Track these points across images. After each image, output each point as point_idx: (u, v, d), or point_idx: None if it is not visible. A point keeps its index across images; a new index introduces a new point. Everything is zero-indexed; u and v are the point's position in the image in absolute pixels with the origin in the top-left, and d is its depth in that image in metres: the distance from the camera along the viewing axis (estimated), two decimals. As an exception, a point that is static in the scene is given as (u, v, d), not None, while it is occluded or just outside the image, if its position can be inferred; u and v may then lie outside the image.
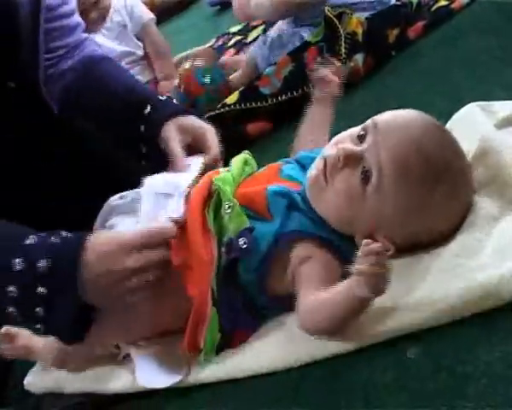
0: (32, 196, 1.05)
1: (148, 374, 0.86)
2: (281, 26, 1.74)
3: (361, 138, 0.79)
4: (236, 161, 0.95)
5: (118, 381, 0.89)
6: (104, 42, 2.03)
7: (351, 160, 0.77)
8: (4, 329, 0.95)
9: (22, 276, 0.78)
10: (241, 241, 0.80)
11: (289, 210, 0.81)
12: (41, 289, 0.78)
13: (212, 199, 0.87)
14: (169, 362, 0.86)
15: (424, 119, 0.79)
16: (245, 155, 0.97)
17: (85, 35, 1.24)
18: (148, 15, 2.16)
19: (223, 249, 0.82)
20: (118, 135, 1.14)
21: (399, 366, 0.65)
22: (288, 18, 1.70)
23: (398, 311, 0.69)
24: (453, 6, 1.55)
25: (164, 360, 0.87)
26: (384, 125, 0.77)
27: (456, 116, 0.94)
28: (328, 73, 0.99)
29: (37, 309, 0.79)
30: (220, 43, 2.48)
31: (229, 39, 2.47)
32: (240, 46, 2.29)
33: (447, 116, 0.96)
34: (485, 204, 0.76)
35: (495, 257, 0.68)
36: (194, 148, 1.03)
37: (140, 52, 2.13)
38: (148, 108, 1.08)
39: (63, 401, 0.94)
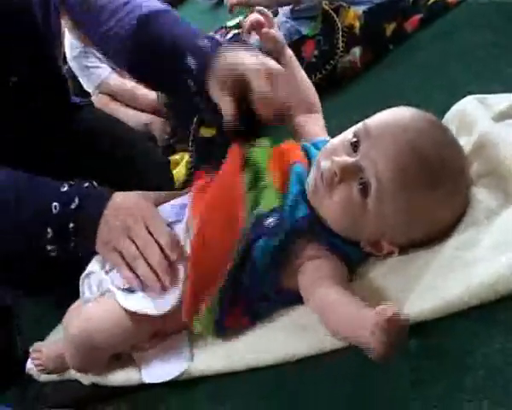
0: None
1: (153, 370, 0.87)
2: (279, 18, 1.74)
3: (354, 146, 0.77)
4: (266, 140, 0.93)
5: (122, 373, 0.90)
6: None
7: (347, 173, 0.75)
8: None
9: (58, 217, 0.90)
10: (270, 220, 0.80)
11: (301, 198, 0.81)
12: (71, 225, 0.90)
13: (245, 170, 0.87)
14: (171, 355, 0.87)
15: (417, 118, 0.76)
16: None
17: None
18: None
19: (250, 222, 0.81)
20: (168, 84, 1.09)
21: (399, 358, 0.65)
22: (286, 10, 1.71)
23: (399, 304, 0.69)
24: (449, 0, 1.55)
25: (166, 354, 0.88)
26: (377, 132, 0.75)
27: (453, 109, 0.94)
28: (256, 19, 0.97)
29: (72, 243, 0.91)
30: (217, 37, 2.47)
31: (227, 33, 2.46)
32: (236, 39, 2.29)
33: (444, 109, 0.95)
34: (483, 197, 0.76)
35: (493, 251, 0.68)
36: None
37: None
38: (188, 59, 0.99)
39: (63, 395, 0.94)
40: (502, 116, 0.88)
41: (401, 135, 0.73)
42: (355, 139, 0.77)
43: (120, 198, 0.93)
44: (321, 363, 0.72)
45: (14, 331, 1.16)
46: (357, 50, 1.50)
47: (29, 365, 1.02)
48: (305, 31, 1.59)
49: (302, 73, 1.01)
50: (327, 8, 1.52)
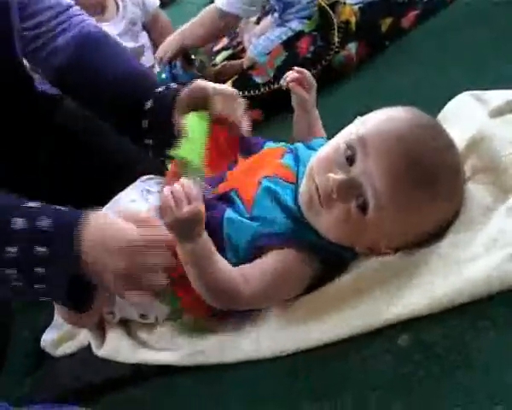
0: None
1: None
2: (272, 26, 1.76)
3: (349, 159, 0.75)
4: (193, 122, 0.93)
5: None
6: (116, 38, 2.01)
7: (345, 191, 0.74)
8: None
9: (22, 235, 0.77)
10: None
11: (272, 209, 0.81)
12: (41, 249, 0.77)
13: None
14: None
15: (412, 125, 0.74)
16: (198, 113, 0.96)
17: (69, 2, 1.17)
18: (155, 3, 2.15)
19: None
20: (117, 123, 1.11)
21: (391, 354, 0.65)
22: (275, 17, 1.72)
23: (391, 300, 0.70)
24: (446, -4, 1.55)
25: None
26: (372, 145, 0.73)
27: (449, 105, 0.94)
28: (296, 76, 0.97)
29: (38, 269, 0.77)
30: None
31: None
32: (232, 35, 2.29)
33: (441, 106, 0.95)
34: (478, 193, 0.76)
35: (487, 248, 0.68)
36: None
37: (146, 41, 2.12)
38: (149, 103, 1.03)
39: (57, 388, 0.94)
40: (498, 112, 0.88)
41: (397, 147, 0.72)
42: (350, 152, 0.75)
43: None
44: (315, 361, 0.72)
45: (11, 325, 1.14)
46: (352, 46, 1.49)
47: (43, 340, 1.03)
48: (299, 27, 1.59)
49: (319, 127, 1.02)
50: (323, 4, 1.52)
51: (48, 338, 1.03)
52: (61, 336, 1.02)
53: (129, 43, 2.03)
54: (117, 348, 0.92)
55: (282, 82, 0.98)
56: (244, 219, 0.82)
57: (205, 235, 0.76)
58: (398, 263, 0.75)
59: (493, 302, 0.63)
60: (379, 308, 0.70)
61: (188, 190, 0.73)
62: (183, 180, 0.74)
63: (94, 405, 0.87)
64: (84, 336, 0.99)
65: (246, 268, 0.79)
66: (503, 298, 0.63)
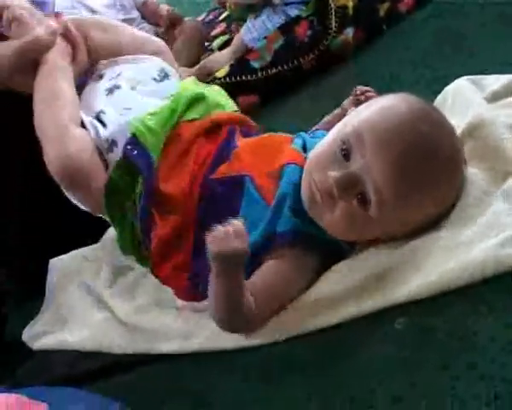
0: None
1: None
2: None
3: (346, 154, 0.74)
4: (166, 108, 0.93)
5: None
6: (102, 10, 2.01)
7: (345, 188, 0.73)
8: None
9: None
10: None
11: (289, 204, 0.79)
12: None
13: None
14: None
15: (408, 114, 0.73)
16: (198, 90, 0.97)
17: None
18: None
19: None
20: None
21: (387, 337, 0.66)
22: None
23: (389, 285, 0.70)
24: (445, -20, 1.54)
25: None
26: (366, 137, 0.72)
27: (446, 90, 0.94)
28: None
29: None
30: (211, 17, 2.46)
31: (220, 14, 2.45)
32: (230, 20, 2.27)
33: (438, 91, 0.95)
34: (475, 178, 0.76)
35: (483, 232, 0.68)
36: None
37: (137, 17, 2.13)
38: None
39: (49, 374, 0.93)
40: (494, 97, 0.88)
41: (391, 137, 0.71)
42: (345, 146, 0.74)
43: None
44: (311, 345, 0.72)
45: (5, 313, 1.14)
46: (350, 31, 1.49)
47: (25, 332, 1.02)
48: (293, 14, 1.58)
49: None
50: (320, -13, 1.51)
51: (29, 331, 1.02)
52: (43, 329, 1.01)
53: (118, 15, 2.05)
54: (107, 338, 0.91)
55: (359, 92, 0.93)
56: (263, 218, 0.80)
57: (242, 273, 0.73)
58: (395, 248, 0.75)
59: (490, 287, 0.63)
60: (376, 293, 0.70)
61: (238, 228, 0.70)
62: (234, 220, 0.71)
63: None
64: (65, 333, 0.98)
65: (248, 285, 0.76)
66: (501, 282, 0.63)
